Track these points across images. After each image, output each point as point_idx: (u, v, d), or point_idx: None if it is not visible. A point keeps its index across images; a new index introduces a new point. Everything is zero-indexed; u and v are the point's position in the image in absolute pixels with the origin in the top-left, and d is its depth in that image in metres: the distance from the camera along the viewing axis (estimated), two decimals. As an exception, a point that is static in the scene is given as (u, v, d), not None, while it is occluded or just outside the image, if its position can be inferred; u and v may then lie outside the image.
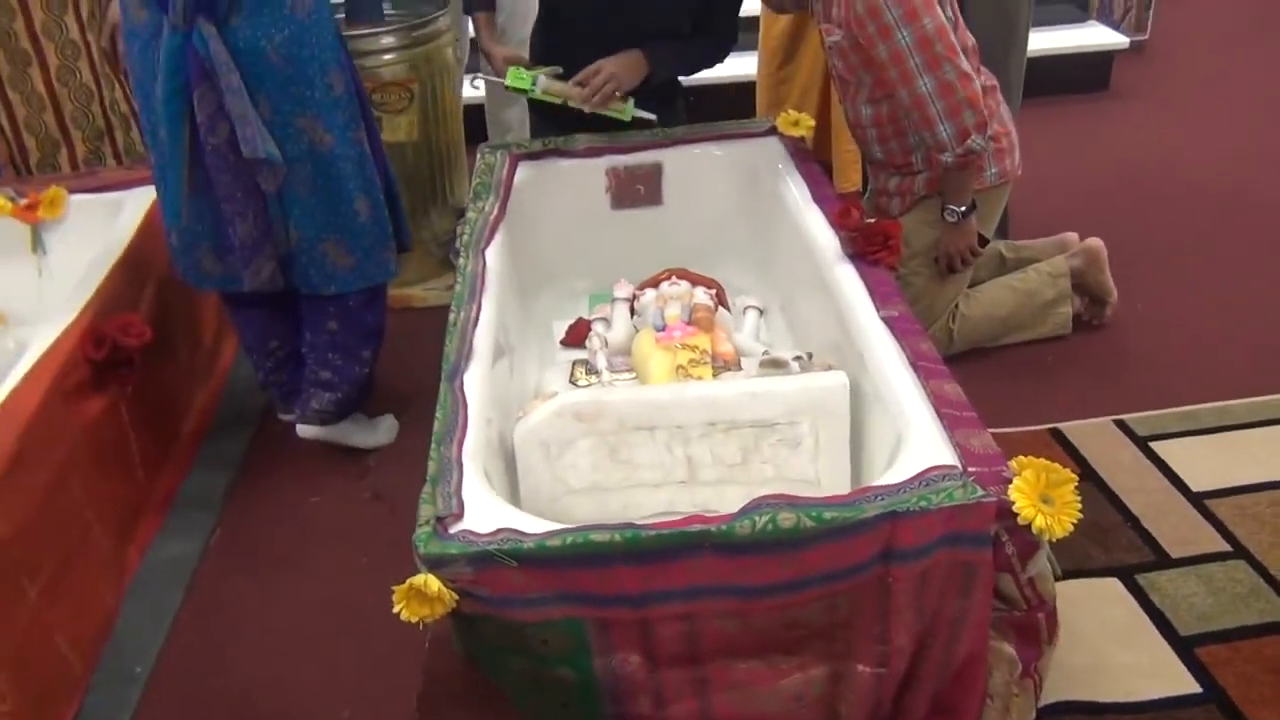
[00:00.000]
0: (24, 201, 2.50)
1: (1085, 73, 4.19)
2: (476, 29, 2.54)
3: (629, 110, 2.42)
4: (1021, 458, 1.42)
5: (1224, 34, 4.76)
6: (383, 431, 2.43)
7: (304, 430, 2.32)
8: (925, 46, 2.16)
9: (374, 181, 2.18)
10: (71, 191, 2.52)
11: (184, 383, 2.48)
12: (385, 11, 3.01)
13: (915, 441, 1.52)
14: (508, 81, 2.42)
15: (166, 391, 2.35)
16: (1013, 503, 1.38)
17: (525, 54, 2.56)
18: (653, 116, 2.43)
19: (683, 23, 2.47)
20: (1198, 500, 2.13)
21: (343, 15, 2.84)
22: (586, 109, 2.39)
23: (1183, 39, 4.65)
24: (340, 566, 2.09)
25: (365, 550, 2.11)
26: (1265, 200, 3.32)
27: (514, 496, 1.70)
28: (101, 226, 2.43)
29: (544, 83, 2.41)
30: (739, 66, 2.85)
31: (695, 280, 2.28)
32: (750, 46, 3.25)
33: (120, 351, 2.03)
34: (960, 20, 2.31)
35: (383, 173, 2.24)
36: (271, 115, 2.01)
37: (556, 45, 2.50)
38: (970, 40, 2.30)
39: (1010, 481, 1.40)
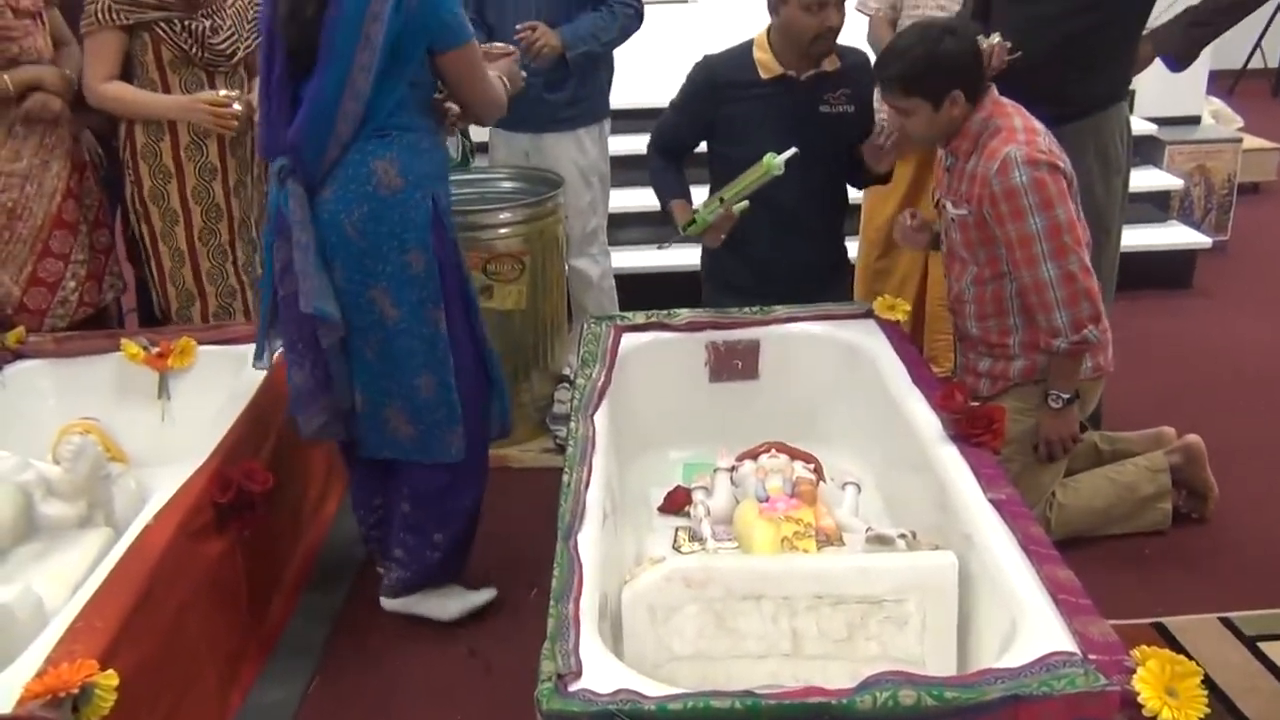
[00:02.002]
0: (155, 350, 2.65)
1: (1168, 271, 4.26)
2: (674, 213, 2.72)
3: (772, 164, 2.48)
4: (1144, 647, 1.42)
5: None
6: (453, 604, 2.38)
7: (384, 603, 2.39)
8: (1054, 235, 2.25)
9: (445, 363, 2.17)
10: (200, 343, 2.67)
11: (290, 531, 2.56)
12: (506, 189, 3.24)
13: (1032, 626, 1.52)
14: (704, 215, 2.59)
15: (274, 539, 2.42)
16: (1137, 693, 1.37)
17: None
18: (794, 150, 2.49)
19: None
20: (1314, 707, 2.06)
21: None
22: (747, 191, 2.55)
23: (1264, 240, 4.73)
24: (435, 722, 2.10)
25: (460, 707, 2.12)
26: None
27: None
28: (226, 377, 2.56)
29: (727, 200, 2.57)
30: (841, 252, 3.00)
31: (794, 454, 2.33)
32: (851, 232, 3.36)
33: (244, 496, 2.12)
34: (1081, 217, 2.37)
35: (478, 357, 2.27)
36: (344, 283, 2.12)
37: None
38: (1087, 235, 2.37)
39: (1133, 671, 1.39)
